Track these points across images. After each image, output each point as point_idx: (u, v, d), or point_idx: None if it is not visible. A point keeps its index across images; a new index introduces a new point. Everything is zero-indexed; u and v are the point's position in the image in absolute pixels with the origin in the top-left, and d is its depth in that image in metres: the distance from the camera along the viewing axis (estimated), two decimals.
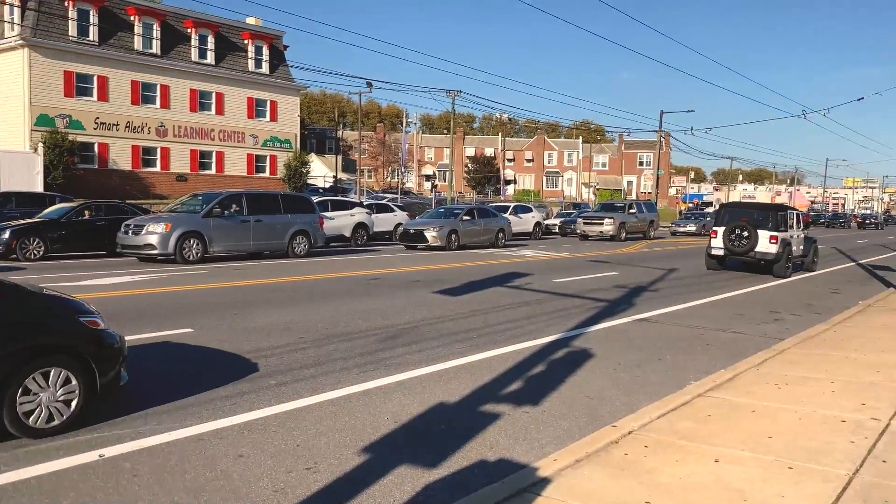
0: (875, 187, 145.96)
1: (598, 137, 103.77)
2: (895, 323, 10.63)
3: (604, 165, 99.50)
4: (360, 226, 24.66)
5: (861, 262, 24.83)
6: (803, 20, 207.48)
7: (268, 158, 42.65)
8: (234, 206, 18.39)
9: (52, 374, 5.01)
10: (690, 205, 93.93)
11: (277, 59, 42.66)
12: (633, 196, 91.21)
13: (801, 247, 19.91)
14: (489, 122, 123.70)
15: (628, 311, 11.60)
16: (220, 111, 40.44)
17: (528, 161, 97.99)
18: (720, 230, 19.06)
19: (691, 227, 42.35)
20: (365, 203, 28.77)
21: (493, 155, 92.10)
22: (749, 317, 11.59)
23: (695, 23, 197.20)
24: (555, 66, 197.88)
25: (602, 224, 32.83)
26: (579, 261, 21.36)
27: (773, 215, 18.78)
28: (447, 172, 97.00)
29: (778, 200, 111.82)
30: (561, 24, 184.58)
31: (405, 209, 31.76)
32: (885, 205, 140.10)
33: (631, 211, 35.58)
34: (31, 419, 4.90)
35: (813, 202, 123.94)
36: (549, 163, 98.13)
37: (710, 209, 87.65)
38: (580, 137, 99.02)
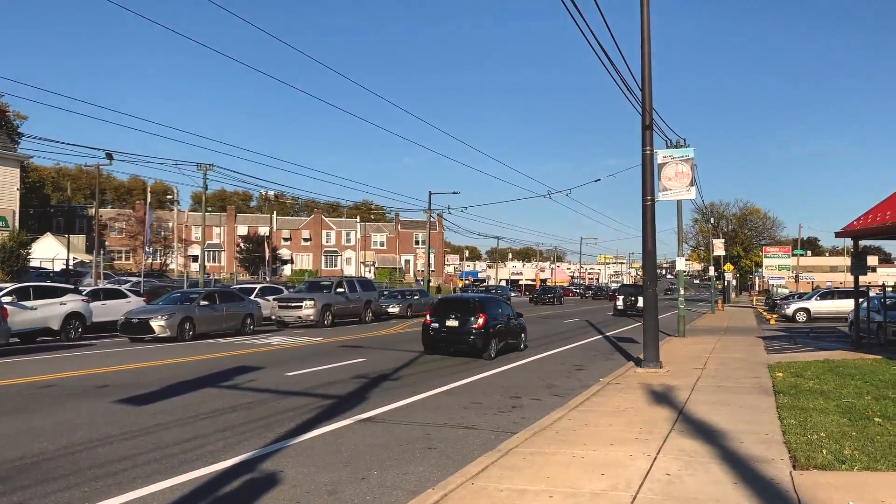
0: (624, 263, 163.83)
1: (373, 217, 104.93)
2: (629, 404, 10.09)
3: (382, 245, 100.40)
4: (73, 316, 20.59)
5: (607, 334, 25.88)
6: (563, 125, 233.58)
7: None
8: None
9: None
10: (467, 282, 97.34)
11: None
12: (411, 274, 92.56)
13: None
14: (267, 201, 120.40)
15: (355, 409, 9.93)
16: None
17: (306, 240, 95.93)
18: (620, 297, 40.67)
19: (394, 308, 35.77)
20: (90, 289, 24.58)
21: (267, 234, 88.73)
22: (486, 405, 10.48)
23: (474, 118, 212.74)
24: (341, 150, 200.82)
25: (301, 307, 27.14)
26: (330, 347, 19.52)
27: (641, 290, 45.79)
28: (220, 252, 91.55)
29: (542, 276, 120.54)
30: (342, 114, 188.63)
31: (146, 294, 27.99)
32: (632, 278, 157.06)
33: (339, 290, 29.33)
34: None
35: (573, 277, 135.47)
36: (327, 242, 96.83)
37: (483, 285, 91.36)
38: (358, 217, 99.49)
